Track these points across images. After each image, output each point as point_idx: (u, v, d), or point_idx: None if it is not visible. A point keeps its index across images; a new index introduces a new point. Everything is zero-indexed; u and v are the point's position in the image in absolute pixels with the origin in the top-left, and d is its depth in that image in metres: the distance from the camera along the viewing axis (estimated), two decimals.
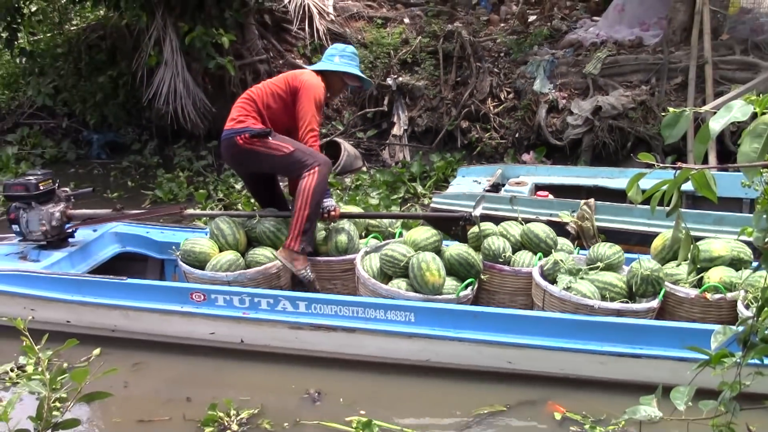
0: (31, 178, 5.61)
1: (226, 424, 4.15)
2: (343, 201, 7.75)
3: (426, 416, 4.32)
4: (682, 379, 2.33)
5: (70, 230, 5.76)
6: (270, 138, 5.17)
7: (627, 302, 4.42)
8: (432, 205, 6.71)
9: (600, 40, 9.50)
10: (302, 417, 4.24)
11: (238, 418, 4.20)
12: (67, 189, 5.89)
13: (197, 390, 4.61)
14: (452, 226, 5.18)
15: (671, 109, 1.98)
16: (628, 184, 2.18)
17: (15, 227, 5.61)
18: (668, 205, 2.01)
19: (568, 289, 4.44)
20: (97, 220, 5.79)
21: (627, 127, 8.40)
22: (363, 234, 5.51)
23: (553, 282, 4.59)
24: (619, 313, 4.32)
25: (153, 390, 4.65)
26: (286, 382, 4.66)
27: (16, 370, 4.83)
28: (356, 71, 5.45)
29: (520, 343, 4.40)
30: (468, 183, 6.95)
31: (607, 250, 4.75)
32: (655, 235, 5.07)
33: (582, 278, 4.55)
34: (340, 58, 5.36)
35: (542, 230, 5.06)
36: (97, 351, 4.94)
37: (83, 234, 5.88)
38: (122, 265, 5.90)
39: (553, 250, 4.91)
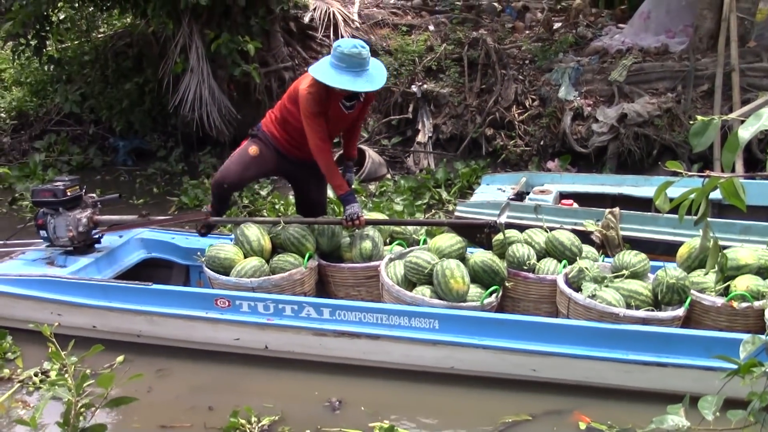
0: (58, 184, 5.65)
1: (248, 431, 4.17)
2: (368, 207, 7.76)
3: (450, 425, 4.31)
4: (708, 388, 2.32)
5: (96, 236, 5.81)
6: (251, 140, 5.56)
7: (652, 310, 4.39)
8: (456, 213, 6.69)
9: (625, 48, 9.45)
10: (324, 424, 4.24)
11: (260, 425, 4.21)
12: (94, 195, 5.93)
13: (220, 397, 4.62)
14: (477, 233, 5.17)
15: (699, 117, 1.97)
16: (655, 192, 2.16)
17: (43, 233, 5.66)
18: (696, 214, 1.99)
19: (593, 296, 4.43)
20: (123, 226, 5.83)
21: (653, 134, 8.36)
22: (387, 241, 5.51)
23: (578, 290, 4.57)
24: (644, 321, 4.30)
25: (176, 396, 4.67)
26: (309, 389, 4.66)
27: (40, 375, 4.88)
28: (333, 82, 4.95)
29: (544, 351, 4.39)
30: (492, 191, 6.93)
31: (632, 258, 4.72)
32: (680, 244, 5.03)
33: (607, 286, 4.52)
34: (331, 59, 5.05)
35: (567, 238, 5.04)
36: (120, 358, 4.99)
37: (109, 240, 5.92)
38: (147, 271, 5.93)
39: (577, 258, 4.90)
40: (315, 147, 5.17)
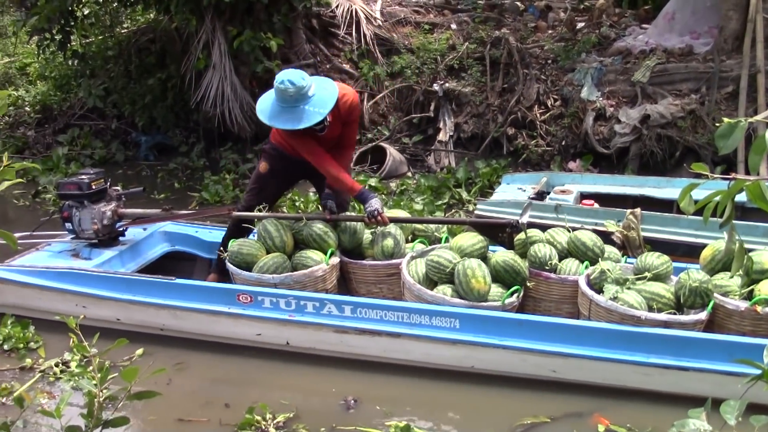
0: (83, 177, 5.73)
1: (264, 427, 4.19)
2: (388, 206, 7.76)
3: (467, 425, 4.33)
4: (730, 393, 2.31)
5: (121, 229, 5.86)
6: (261, 157, 5.71)
7: (675, 314, 4.36)
8: (476, 212, 6.72)
9: (649, 48, 9.39)
10: (339, 422, 4.27)
11: (275, 422, 4.24)
12: (119, 188, 5.99)
13: (237, 391, 4.67)
14: (499, 232, 5.16)
15: (726, 120, 1.96)
16: (680, 194, 2.15)
17: (68, 225, 5.74)
18: (720, 216, 1.99)
19: (614, 299, 4.41)
20: (147, 220, 5.88)
21: (676, 136, 8.31)
22: (409, 238, 5.52)
23: (600, 291, 4.55)
24: (666, 324, 4.28)
25: (194, 390, 4.72)
26: (327, 384, 4.70)
27: (60, 365, 4.95)
28: (259, 113, 5.17)
29: (564, 352, 4.39)
30: (512, 190, 6.94)
31: (655, 260, 4.69)
32: (702, 246, 5.01)
33: (629, 288, 4.50)
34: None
35: (589, 238, 5.02)
36: (140, 351, 5.01)
37: (133, 232, 5.99)
38: (171, 263, 6.00)
39: (600, 259, 4.88)
40: (312, 160, 5.21)
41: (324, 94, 5.03)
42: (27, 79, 12.60)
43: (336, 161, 5.28)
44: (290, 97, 4.91)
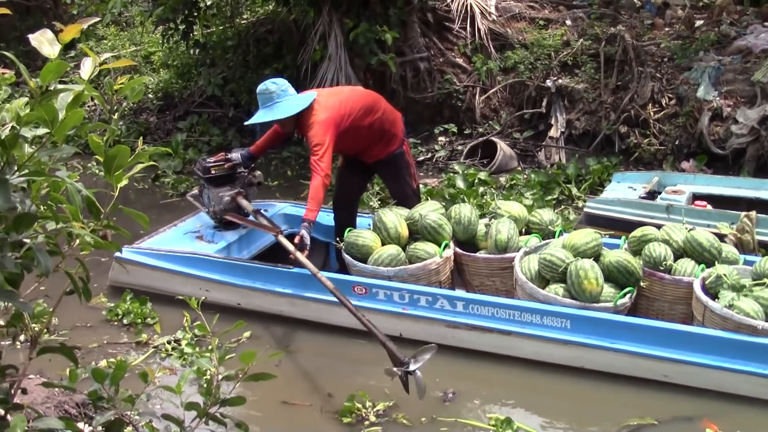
0: (210, 160, 6.02)
1: (364, 415, 4.33)
2: (498, 198, 7.80)
3: (571, 422, 4.37)
4: None
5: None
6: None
7: None
8: (585, 209, 6.69)
9: None
10: (438, 413, 4.38)
11: (375, 410, 4.37)
12: (258, 174, 6.29)
13: (343, 377, 4.83)
14: (394, 365, 4.43)
15: None
16: None
17: (200, 201, 6.16)
18: None
19: (730, 306, 4.35)
20: (240, 219, 6.01)
21: None
22: (522, 231, 5.57)
23: (715, 296, 4.50)
24: None
25: (301, 374, 4.88)
26: (432, 374, 4.67)
27: (172, 342, 5.21)
28: (250, 121, 5.91)
29: (677, 358, 4.38)
30: (623, 189, 6.90)
31: None
32: None
33: (746, 295, 4.43)
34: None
35: (706, 239, 4.96)
36: (247, 334, 5.25)
37: None
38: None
39: (716, 261, 4.81)
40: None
41: (299, 101, 5.60)
42: (151, 67, 13.01)
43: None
44: (270, 95, 5.57)
